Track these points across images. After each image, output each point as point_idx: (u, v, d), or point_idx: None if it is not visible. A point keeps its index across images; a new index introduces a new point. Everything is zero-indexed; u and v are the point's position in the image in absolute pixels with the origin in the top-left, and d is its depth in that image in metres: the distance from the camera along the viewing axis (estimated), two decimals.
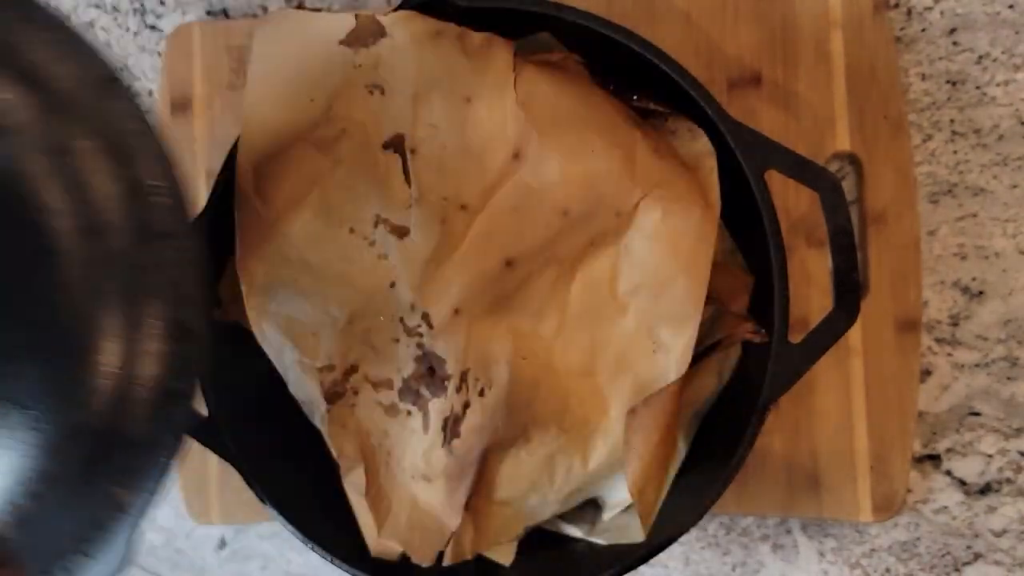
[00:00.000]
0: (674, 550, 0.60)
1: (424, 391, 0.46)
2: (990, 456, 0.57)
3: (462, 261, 0.45)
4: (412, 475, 0.47)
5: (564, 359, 0.46)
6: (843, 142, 0.56)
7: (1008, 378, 0.56)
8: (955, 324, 0.57)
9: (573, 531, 0.50)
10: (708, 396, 0.50)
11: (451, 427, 0.46)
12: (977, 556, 0.57)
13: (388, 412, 0.47)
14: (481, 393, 0.45)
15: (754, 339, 0.47)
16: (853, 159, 0.56)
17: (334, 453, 0.47)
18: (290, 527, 0.46)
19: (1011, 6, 0.56)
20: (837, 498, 0.55)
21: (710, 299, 0.47)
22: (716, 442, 0.47)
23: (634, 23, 0.57)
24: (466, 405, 0.45)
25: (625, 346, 0.46)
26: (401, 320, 0.46)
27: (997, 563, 0.57)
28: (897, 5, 0.57)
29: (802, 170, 0.43)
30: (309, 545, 0.46)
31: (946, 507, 0.57)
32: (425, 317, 0.46)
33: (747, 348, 0.49)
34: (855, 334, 0.55)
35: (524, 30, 0.47)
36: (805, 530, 0.59)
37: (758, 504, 0.56)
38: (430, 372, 0.46)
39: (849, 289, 0.43)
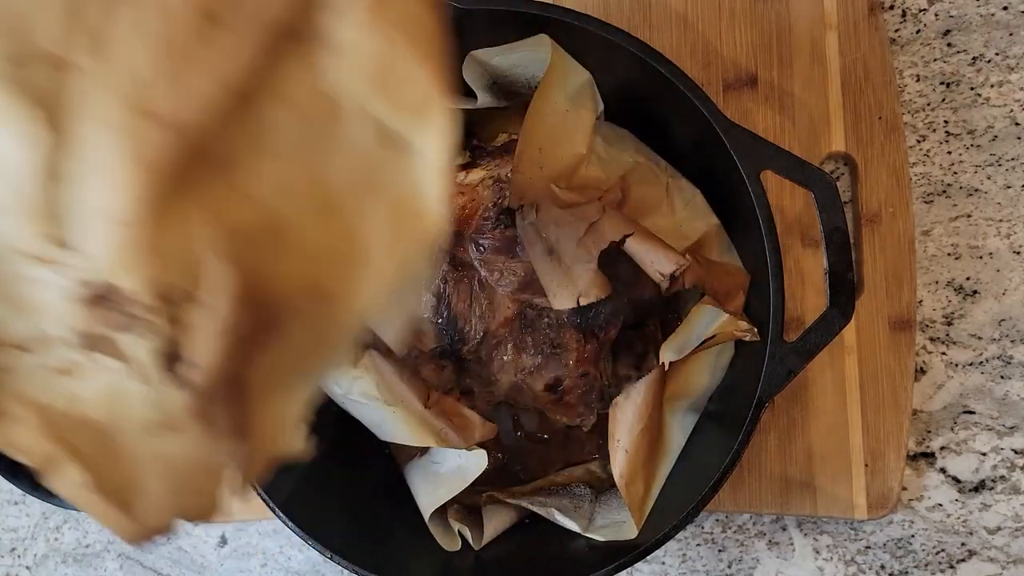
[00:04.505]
0: (671, 547, 0.60)
1: (105, 331, 0.31)
2: (984, 454, 0.57)
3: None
4: (149, 433, 0.32)
5: (292, 212, 0.31)
6: (838, 143, 0.56)
7: (1001, 377, 0.57)
8: (949, 323, 0.57)
9: (571, 525, 0.51)
10: (701, 391, 0.50)
11: (170, 359, 0.29)
12: (971, 553, 0.57)
13: (66, 374, 0.32)
14: (195, 304, 0.30)
15: (747, 337, 0.47)
16: (848, 159, 0.56)
17: (18, 457, 0.32)
18: (290, 524, 0.47)
19: (1005, 8, 0.56)
20: (832, 495, 0.56)
21: (706, 297, 0.47)
22: (712, 440, 0.48)
23: (631, 25, 0.58)
24: (179, 325, 0.28)
25: (361, 165, 0.33)
26: (24, 252, 0.29)
27: (991, 560, 0.57)
28: (892, 7, 0.58)
29: (797, 170, 0.44)
30: (309, 542, 0.47)
31: (940, 504, 0.58)
32: (59, 241, 0.29)
33: (742, 346, 0.49)
34: (850, 333, 0.55)
35: (522, 32, 0.47)
36: (800, 527, 0.59)
37: (754, 501, 0.56)
38: (101, 304, 0.30)
39: (844, 288, 0.43)
